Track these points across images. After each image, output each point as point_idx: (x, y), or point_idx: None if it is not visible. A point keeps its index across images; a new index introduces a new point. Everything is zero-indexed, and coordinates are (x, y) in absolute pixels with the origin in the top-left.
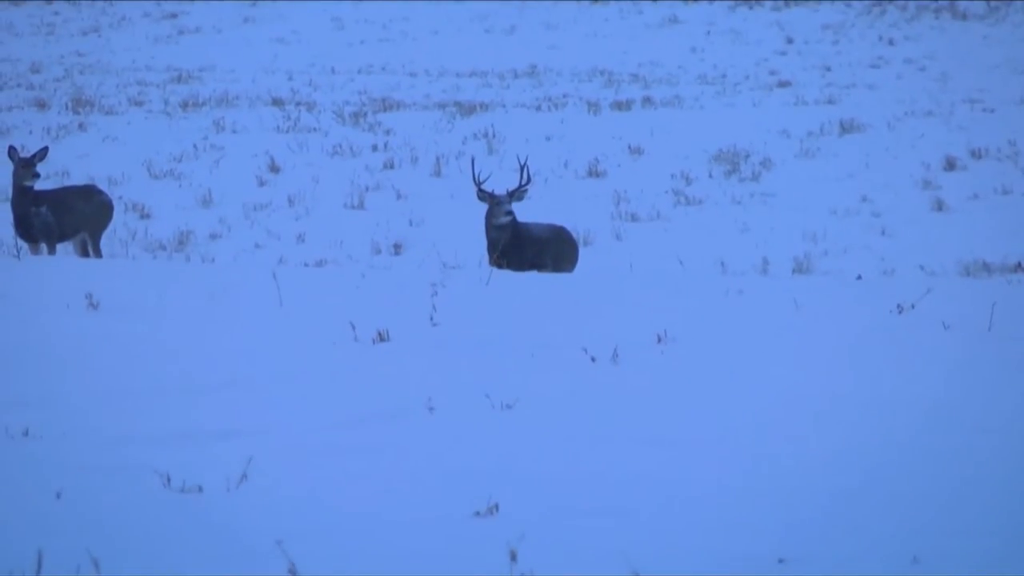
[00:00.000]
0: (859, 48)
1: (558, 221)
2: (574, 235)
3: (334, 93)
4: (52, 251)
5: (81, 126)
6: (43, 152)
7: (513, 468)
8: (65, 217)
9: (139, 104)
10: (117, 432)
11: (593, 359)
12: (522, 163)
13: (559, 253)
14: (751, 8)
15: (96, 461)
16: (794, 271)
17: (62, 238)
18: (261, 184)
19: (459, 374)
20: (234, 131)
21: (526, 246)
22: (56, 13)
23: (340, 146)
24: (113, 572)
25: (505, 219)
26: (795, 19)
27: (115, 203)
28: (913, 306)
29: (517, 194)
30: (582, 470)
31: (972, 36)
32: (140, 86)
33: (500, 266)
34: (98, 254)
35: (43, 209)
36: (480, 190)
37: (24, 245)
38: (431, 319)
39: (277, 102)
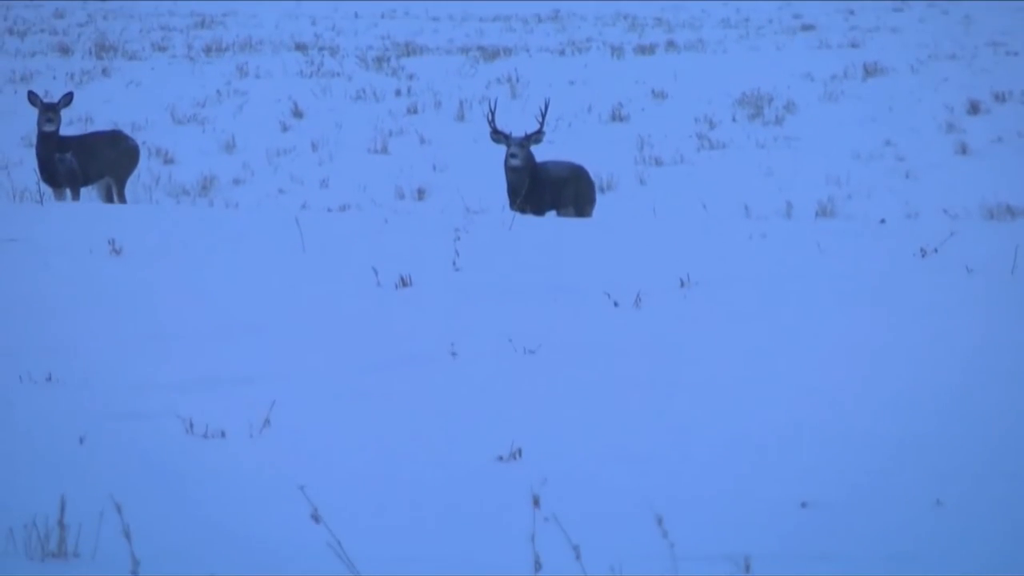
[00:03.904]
0: None
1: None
2: (592, 175)
3: (357, 38)
4: (76, 197)
5: (104, 71)
6: (68, 97)
7: (536, 413)
8: (90, 163)
9: (162, 49)
10: (140, 378)
11: (616, 304)
12: (543, 107)
13: (578, 192)
14: None
15: (119, 407)
16: (817, 215)
17: (86, 183)
18: (284, 129)
19: (482, 319)
20: (257, 76)
21: (546, 187)
22: None
23: (363, 91)
24: (136, 517)
25: (513, 161)
26: None
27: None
28: (936, 250)
29: (534, 138)
30: (605, 415)
31: None
32: (163, 31)
33: (523, 210)
34: (123, 199)
35: (68, 155)
36: (494, 130)
37: (48, 190)
38: (454, 264)
39: (300, 47)
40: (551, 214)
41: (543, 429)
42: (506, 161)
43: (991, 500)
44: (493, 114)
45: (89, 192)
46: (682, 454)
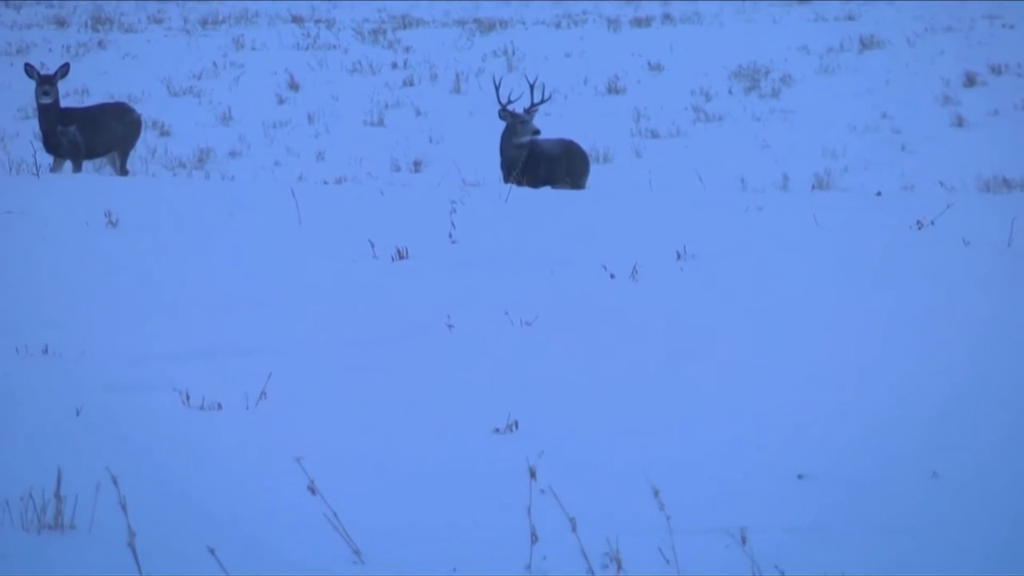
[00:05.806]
0: None
1: (578, 138)
2: (585, 149)
3: (353, 10)
4: (77, 169)
5: (101, 44)
6: (64, 69)
7: (532, 385)
8: (97, 137)
9: (158, 21)
10: (136, 350)
11: (612, 276)
12: (531, 82)
13: (571, 167)
14: None
15: (115, 379)
16: (814, 187)
17: (91, 157)
18: (281, 102)
19: (478, 291)
20: (253, 48)
21: (540, 163)
22: None
23: (360, 63)
24: (132, 489)
25: (532, 136)
26: None
27: None
28: (933, 222)
29: (533, 111)
30: (601, 387)
31: None
32: (159, 3)
33: (520, 183)
34: (124, 172)
35: (71, 128)
36: (503, 109)
37: (45, 162)
38: (450, 236)
39: (296, 19)
40: (546, 188)
41: (540, 401)
42: (515, 136)
43: (987, 473)
44: (499, 91)
45: (87, 164)
46: (679, 427)
